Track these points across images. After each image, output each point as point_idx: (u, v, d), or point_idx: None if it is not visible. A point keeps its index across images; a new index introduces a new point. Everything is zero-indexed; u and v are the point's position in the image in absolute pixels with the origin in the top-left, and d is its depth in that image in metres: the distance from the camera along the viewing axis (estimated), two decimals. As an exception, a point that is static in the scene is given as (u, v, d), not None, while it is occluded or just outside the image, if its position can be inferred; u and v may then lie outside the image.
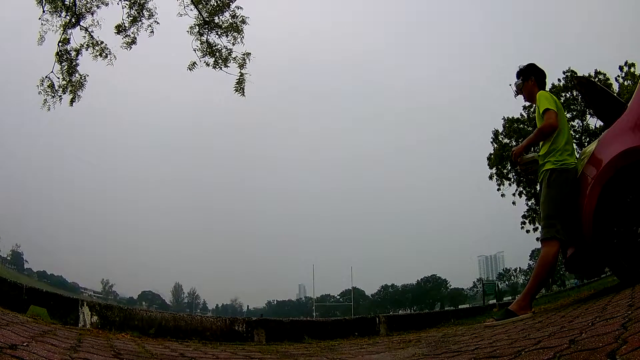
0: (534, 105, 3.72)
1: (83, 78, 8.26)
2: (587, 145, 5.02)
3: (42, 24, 7.81)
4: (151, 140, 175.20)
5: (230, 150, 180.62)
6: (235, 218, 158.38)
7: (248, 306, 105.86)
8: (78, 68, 8.22)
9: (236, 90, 8.11)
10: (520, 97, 3.83)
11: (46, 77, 8.11)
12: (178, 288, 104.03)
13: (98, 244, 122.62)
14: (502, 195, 25.66)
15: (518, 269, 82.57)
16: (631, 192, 2.93)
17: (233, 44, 8.24)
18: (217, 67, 8.30)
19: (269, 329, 4.24)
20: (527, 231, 25.42)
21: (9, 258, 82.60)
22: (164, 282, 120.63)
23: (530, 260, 68.89)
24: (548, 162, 3.40)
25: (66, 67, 8.13)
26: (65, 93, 8.15)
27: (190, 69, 8.31)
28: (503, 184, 25.57)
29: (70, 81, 8.15)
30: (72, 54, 8.15)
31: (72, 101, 8.19)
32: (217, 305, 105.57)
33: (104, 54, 8.19)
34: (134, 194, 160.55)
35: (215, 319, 4.17)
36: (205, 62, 8.34)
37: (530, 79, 3.73)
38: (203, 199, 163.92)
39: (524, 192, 25.02)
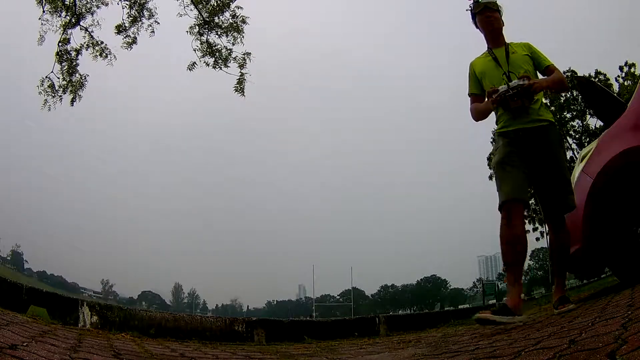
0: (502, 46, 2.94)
1: (83, 78, 8.27)
2: (587, 145, 5.01)
3: (42, 24, 7.81)
4: (151, 139, 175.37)
5: (230, 150, 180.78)
6: (235, 218, 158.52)
7: (248, 306, 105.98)
8: (78, 68, 8.24)
9: (236, 90, 8.12)
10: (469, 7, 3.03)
11: (46, 77, 8.12)
12: (178, 288, 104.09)
13: (98, 244, 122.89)
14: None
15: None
16: (631, 192, 2.93)
17: (233, 44, 8.26)
18: (217, 67, 8.31)
19: (269, 329, 4.23)
20: (527, 231, 25.42)
21: (9, 258, 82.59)
22: (164, 282, 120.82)
23: (530, 260, 68.89)
24: (547, 114, 2.90)
25: (66, 67, 8.14)
26: (65, 93, 8.16)
27: (190, 69, 8.31)
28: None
29: (70, 81, 8.16)
30: (72, 54, 8.16)
31: (72, 101, 8.20)
32: (217, 305, 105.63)
33: (104, 54, 8.21)
34: (134, 194, 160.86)
35: (215, 319, 4.17)
36: (205, 62, 8.35)
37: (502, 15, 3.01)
38: (203, 198, 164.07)
39: (523, 192, 24.99)
